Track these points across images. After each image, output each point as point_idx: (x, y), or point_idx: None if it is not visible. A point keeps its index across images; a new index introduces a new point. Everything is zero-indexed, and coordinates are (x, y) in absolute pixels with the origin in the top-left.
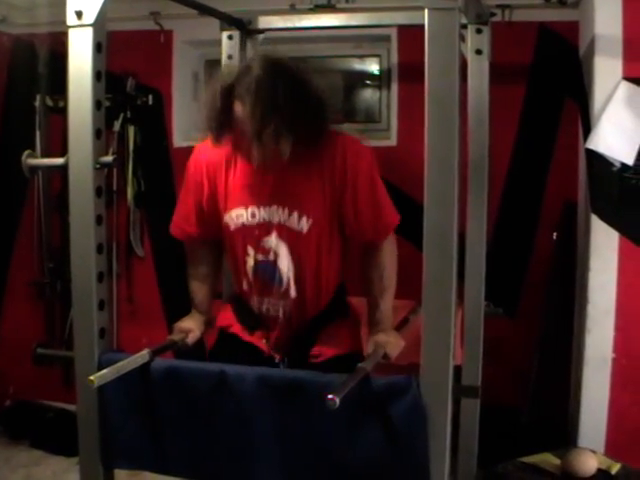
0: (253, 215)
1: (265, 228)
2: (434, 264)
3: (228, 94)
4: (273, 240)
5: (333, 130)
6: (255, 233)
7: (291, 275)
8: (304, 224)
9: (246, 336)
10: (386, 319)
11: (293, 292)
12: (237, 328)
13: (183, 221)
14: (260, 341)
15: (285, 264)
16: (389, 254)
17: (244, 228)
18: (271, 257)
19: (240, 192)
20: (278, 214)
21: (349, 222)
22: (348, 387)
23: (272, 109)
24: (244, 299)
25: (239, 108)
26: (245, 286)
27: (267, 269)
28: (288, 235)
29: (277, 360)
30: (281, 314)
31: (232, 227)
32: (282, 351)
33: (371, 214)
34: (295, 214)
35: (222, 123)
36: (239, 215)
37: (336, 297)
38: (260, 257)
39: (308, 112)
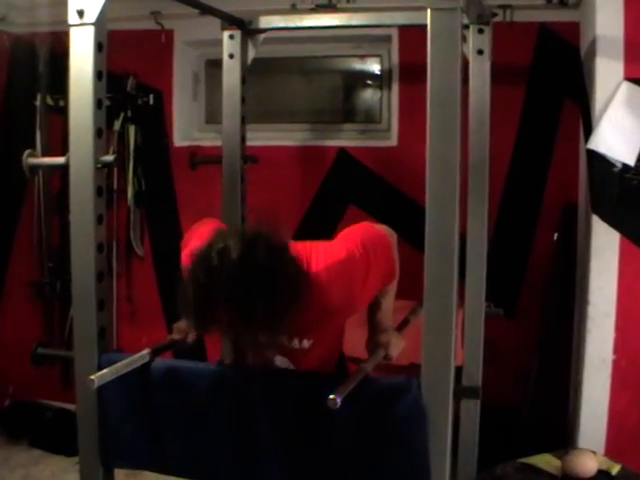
0: None
1: None
2: (435, 265)
3: (204, 300)
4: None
5: (313, 273)
6: None
7: None
8: (305, 344)
9: None
10: (386, 319)
11: None
12: None
13: None
14: None
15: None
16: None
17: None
18: (273, 365)
19: None
20: None
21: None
22: (349, 387)
23: (249, 322)
24: None
25: (217, 317)
26: None
27: None
28: (289, 352)
29: None
30: None
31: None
32: None
33: (382, 283)
34: (296, 340)
35: (203, 324)
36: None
37: (338, 366)
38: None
39: (288, 303)
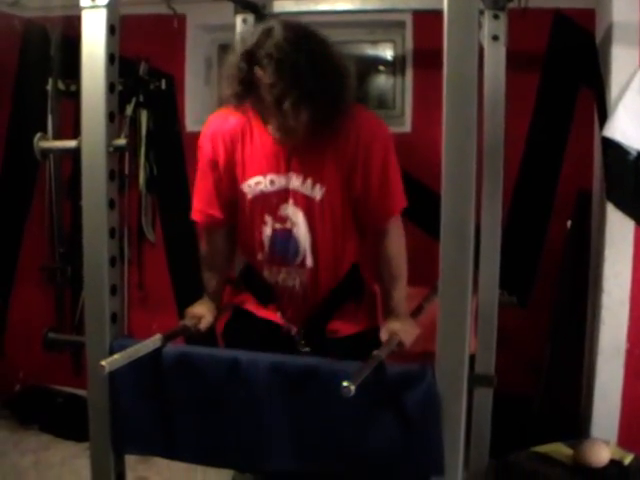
0: (272, 182)
1: (282, 196)
2: (451, 252)
3: (249, 59)
4: (290, 208)
5: (354, 106)
6: (273, 201)
7: (307, 244)
8: (317, 191)
9: (261, 311)
10: (399, 307)
11: (310, 262)
12: (251, 304)
13: (206, 205)
14: (275, 315)
15: (302, 233)
16: (396, 243)
17: (262, 196)
18: (288, 225)
19: (258, 160)
20: (293, 181)
21: (357, 198)
22: (363, 375)
23: (293, 79)
24: (257, 271)
25: (260, 74)
26: (260, 257)
27: (284, 238)
28: (303, 202)
29: (293, 333)
30: (297, 284)
31: (250, 195)
32: (298, 324)
33: (377, 195)
34: (309, 181)
35: (243, 88)
36: (258, 182)
37: (352, 272)
38: (278, 225)
39: (329, 85)
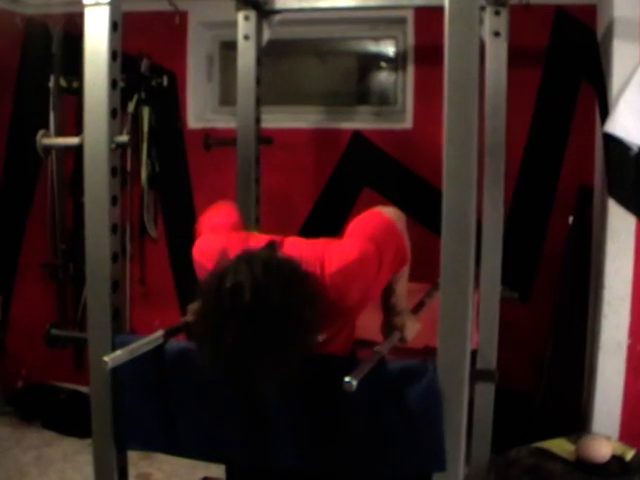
0: None
1: None
2: (452, 248)
3: (218, 322)
4: None
5: (328, 275)
6: None
7: None
8: (319, 338)
9: None
10: (401, 302)
11: None
12: None
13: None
14: None
15: None
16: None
17: None
18: None
19: None
20: None
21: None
22: (365, 371)
23: (264, 353)
24: None
25: (230, 341)
26: None
27: None
28: None
29: None
30: None
31: None
32: None
33: (395, 271)
34: None
35: (216, 351)
36: None
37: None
38: None
39: (304, 333)
